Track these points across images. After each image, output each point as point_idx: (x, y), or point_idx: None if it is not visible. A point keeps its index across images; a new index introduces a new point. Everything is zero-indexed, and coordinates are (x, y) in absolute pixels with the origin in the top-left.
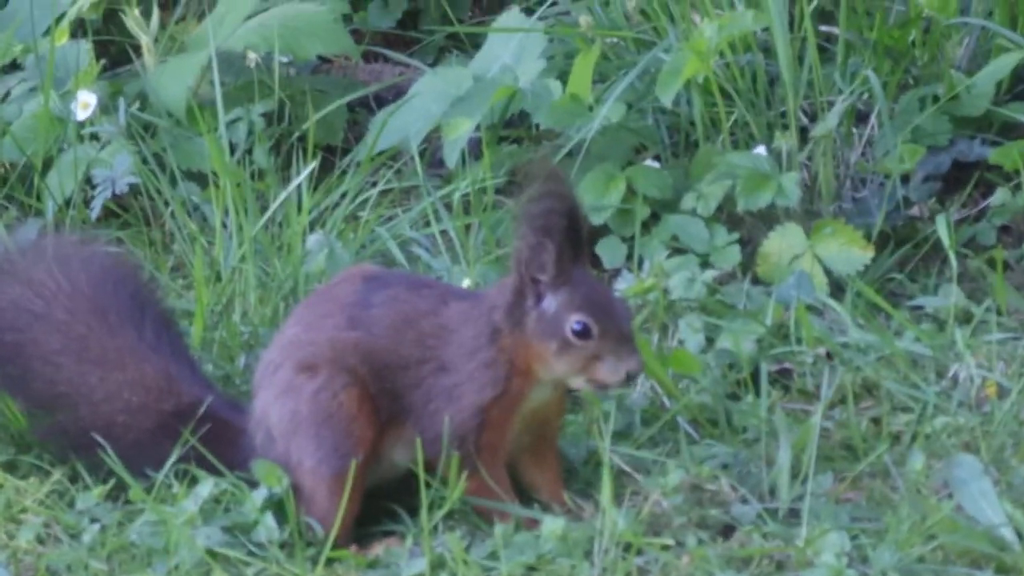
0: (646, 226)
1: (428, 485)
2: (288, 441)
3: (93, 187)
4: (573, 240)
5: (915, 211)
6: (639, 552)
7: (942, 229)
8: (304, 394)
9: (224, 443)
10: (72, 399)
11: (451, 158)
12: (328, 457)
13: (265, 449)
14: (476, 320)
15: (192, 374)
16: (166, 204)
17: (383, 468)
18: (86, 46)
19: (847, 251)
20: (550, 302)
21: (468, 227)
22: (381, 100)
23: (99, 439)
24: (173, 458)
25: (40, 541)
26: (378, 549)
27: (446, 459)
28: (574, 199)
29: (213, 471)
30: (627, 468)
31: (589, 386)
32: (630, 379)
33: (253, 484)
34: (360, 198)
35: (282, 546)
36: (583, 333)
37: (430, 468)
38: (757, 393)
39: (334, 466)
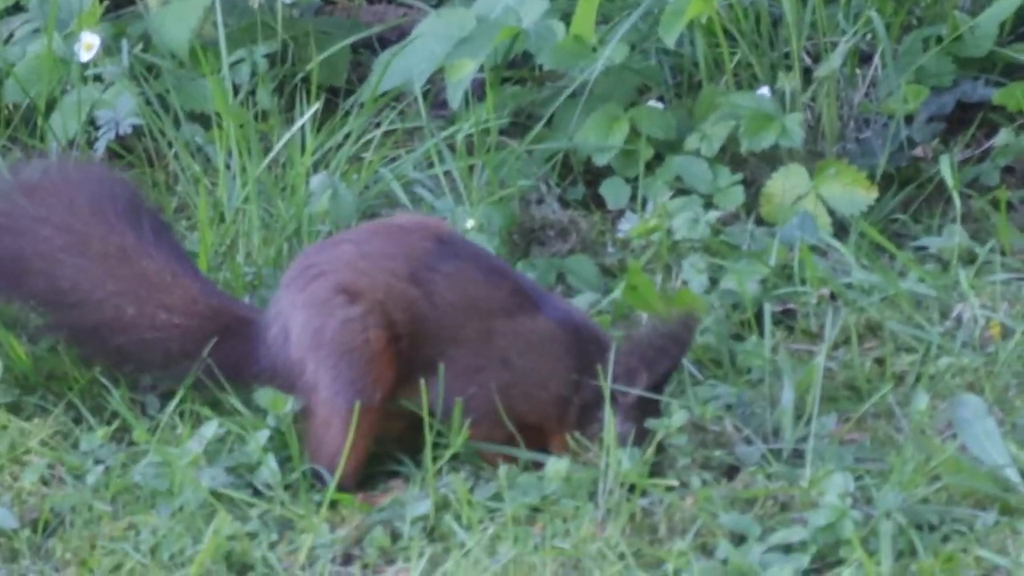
0: (649, 167)
1: (432, 428)
2: (304, 354)
3: (97, 128)
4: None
5: (919, 152)
6: (643, 493)
7: (946, 170)
8: (335, 318)
9: (234, 337)
10: (75, 295)
11: (454, 99)
12: (344, 390)
13: (277, 345)
14: (556, 353)
15: (193, 272)
16: (170, 145)
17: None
18: None
19: (851, 192)
20: (622, 425)
21: (471, 168)
22: (384, 41)
23: (104, 376)
24: (187, 384)
25: (44, 482)
26: (384, 500)
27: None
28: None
29: (223, 370)
30: None
31: None
32: None
33: (258, 411)
34: (364, 139)
35: (287, 487)
36: None
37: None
38: (761, 334)
39: (349, 400)
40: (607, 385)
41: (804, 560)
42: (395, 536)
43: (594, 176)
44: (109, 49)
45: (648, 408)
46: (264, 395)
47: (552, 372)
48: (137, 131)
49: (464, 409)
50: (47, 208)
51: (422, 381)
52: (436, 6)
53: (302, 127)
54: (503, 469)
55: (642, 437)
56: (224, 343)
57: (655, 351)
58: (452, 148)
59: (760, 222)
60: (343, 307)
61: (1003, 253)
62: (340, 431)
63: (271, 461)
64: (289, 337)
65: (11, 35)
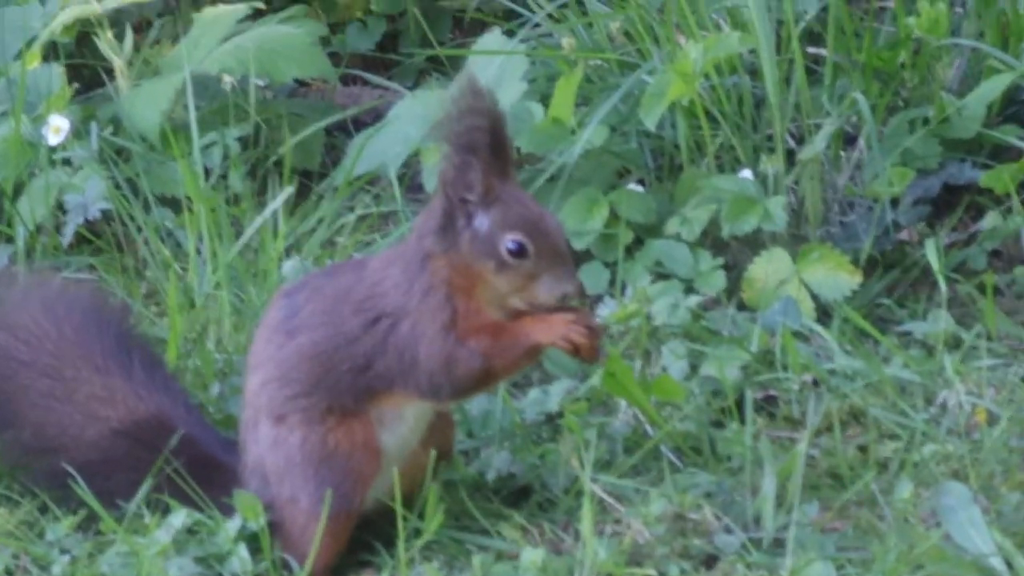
0: (629, 251)
1: (405, 518)
2: (282, 480)
3: (65, 213)
4: (500, 156)
5: (904, 235)
6: None
7: (931, 253)
8: (291, 445)
9: (216, 483)
10: (61, 441)
11: (430, 182)
12: (322, 499)
13: (260, 494)
14: (404, 256)
15: (186, 411)
16: (139, 230)
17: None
18: (58, 69)
19: (834, 276)
20: (482, 221)
21: None
22: (359, 124)
23: (72, 471)
24: (146, 487)
25: (9, 573)
26: None
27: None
28: (498, 114)
29: (195, 507)
30: (608, 498)
31: (528, 307)
32: (566, 299)
33: (228, 511)
34: (337, 224)
35: None
36: (518, 252)
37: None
38: (742, 421)
39: (333, 506)
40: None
41: None
42: None
43: (576, 260)
44: (78, 132)
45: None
46: (239, 500)
47: (406, 270)
48: (106, 216)
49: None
50: (32, 349)
51: (395, 470)
52: (412, 88)
53: (275, 211)
54: (477, 559)
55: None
56: (209, 491)
57: (464, 135)
58: None
59: (742, 307)
60: (289, 434)
61: (989, 338)
62: (325, 538)
63: (242, 551)
64: (268, 480)
65: None
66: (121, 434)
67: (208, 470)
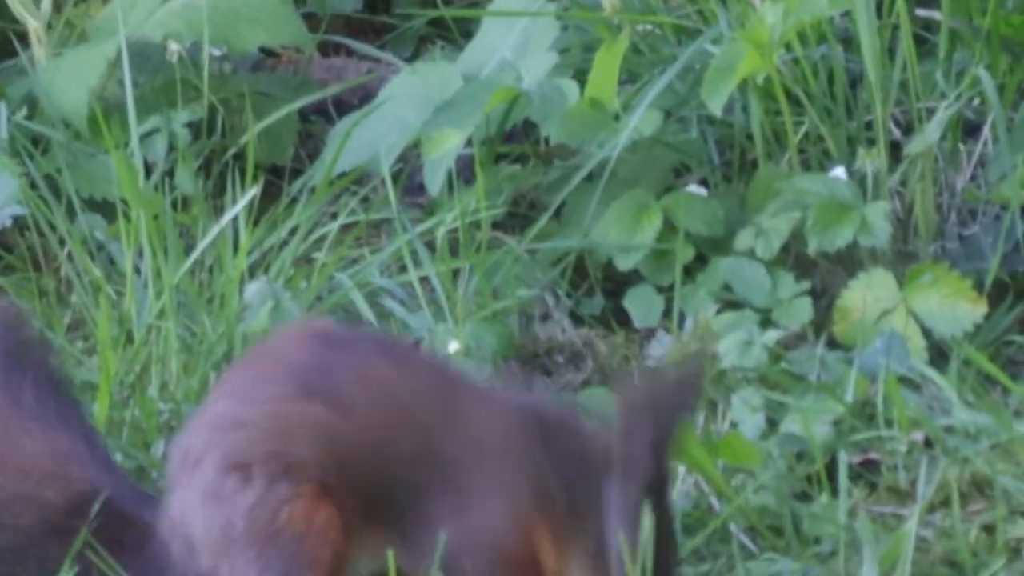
0: (689, 272)
1: None
2: (218, 561)
3: None
4: None
5: None
6: None
7: None
8: (237, 506)
9: (129, 548)
10: None
11: (434, 182)
12: None
13: (184, 563)
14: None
15: (89, 452)
16: (61, 243)
17: None
18: None
19: (952, 306)
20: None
21: (456, 273)
22: (343, 106)
23: None
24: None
25: None
26: None
27: None
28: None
29: None
30: None
31: None
32: None
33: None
34: (315, 235)
35: None
36: None
37: None
38: (834, 492)
39: None
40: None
41: None
42: None
43: (616, 284)
44: None
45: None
46: None
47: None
48: (19, 223)
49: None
50: None
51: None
52: (410, 60)
53: (235, 218)
54: None
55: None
56: (120, 557)
57: (657, 421)
58: (431, 247)
59: (833, 345)
60: (240, 490)
61: None
62: None
63: None
64: (195, 546)
65: None
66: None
67: (119, 529)
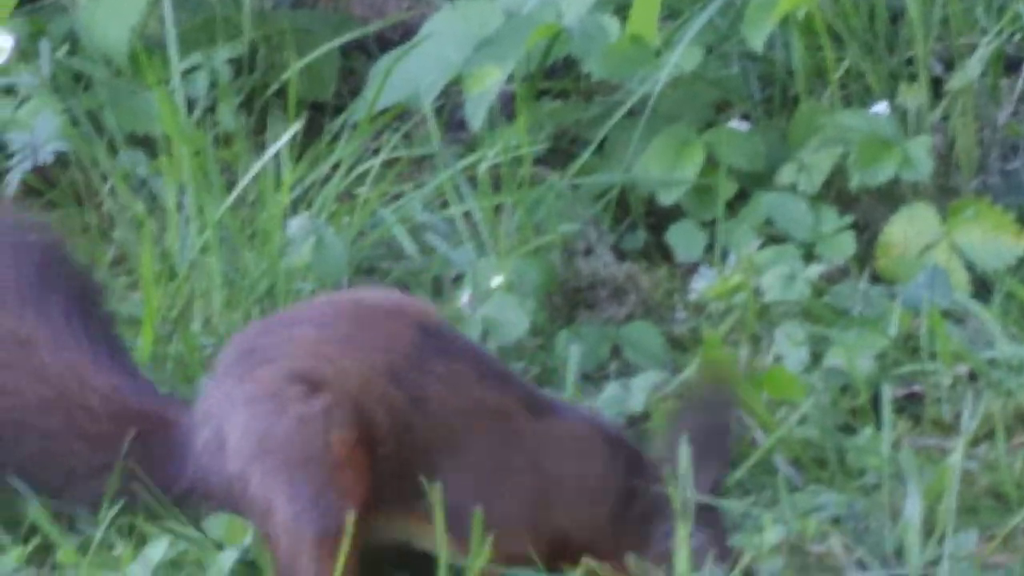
0: (732, 207)
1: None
2: (245, 466)
3: (9, 156)
4: None
5: None
6: None
7: None
8: (288, 414)
9: (158, 446)
10: None
11: (476, 118)
12: (307, 511)
13: (208, 455)
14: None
15: (112, 361)
16: (104, 178)
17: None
18: None
19: (994, 239)
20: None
21: (498, 208)
22: (385, 43)
23: (17, 479)
24: (115, 506)
25: None
26: None
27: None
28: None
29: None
30: None
31: None
32: None
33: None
34: (357, 170)
35: None
36: None
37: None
38: (878, 425)
39: (316, 525)
40: (675, 492)
41: None
42: None
43: (659, 219)
44: (24, 53)
45: (715, 514)
46: (216, 524)
47: (598, 480)
48: (61, 160)
49: (486, 524)
50: None
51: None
52: None
53: (277, 154)
54: None
55: (725, 558)
56: (146, 453)
57: (705, 441)
58: (473, 182)
59: (876, 279)
60: (299, 400)
61: None
62: (311, 564)
63: None
64: (225, 444)
65: None
66: (33, 393)
67: (144, 427)
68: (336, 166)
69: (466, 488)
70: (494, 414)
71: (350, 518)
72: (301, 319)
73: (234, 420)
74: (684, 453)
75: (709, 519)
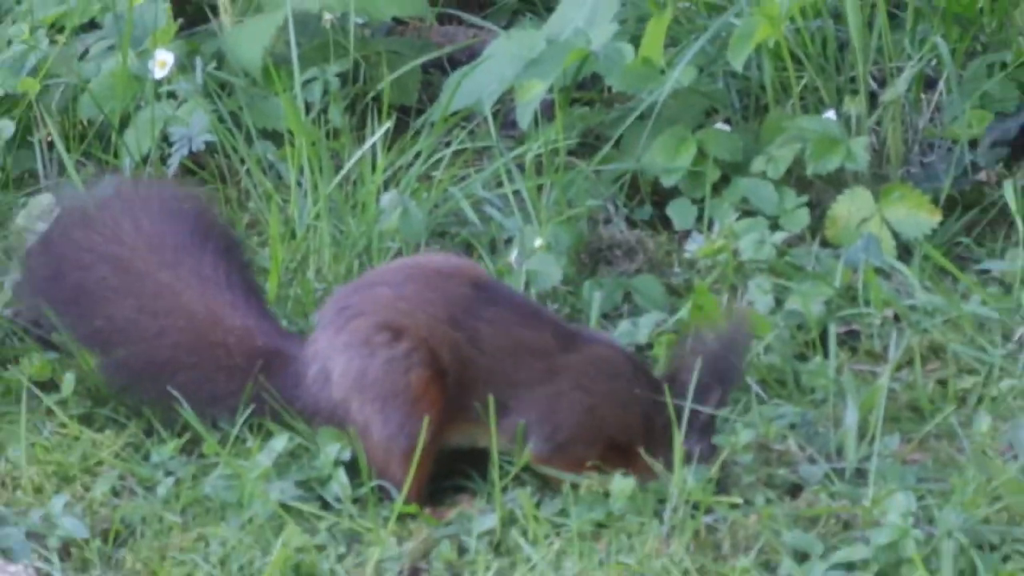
0: (716, 188)
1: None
2: (350, 396)
3: (170, 145)
4: None
5: (982, 176)
6: (708, 510)
7: (1009, 194)
8: (378, 357)
9: (275, 372)
10: (129, 335)
11: (524, 119)
12: (396, 435)
13: (317, 386)
14: (628, 375)
15: (248, 304)
16: (242, 162)
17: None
18: (164, 5)
19: (915, 215)
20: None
21: (540, 188)
22: (455, 62)
23: (173, 391)
24: (246, 412)
25: (115, 493)
26: (451, 514)
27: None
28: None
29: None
30: None
31: None
32: None
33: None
34: (434, 158)
35: (355, 501)
36: None
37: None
38: (825, 354)
39: (403, 444)
40: (685, 403)
41: None
42: (462, 550)
43: (661, 197)
44: (183, 66)
45: (715, 425)
46: (325, 436)
47: (631, 393)
48: (210, 148)
49: (551, 434)
50: (107, 241)
51: (478, 405)
52: (506, 27)
53: (373, 145)
54: (567, 485)
55: (710, 454)
56: (271, 379)
57: (721, 365)
58: (521, 168)
59: (825, 244)
60: (386, 345)
61: None
62: (400, 468)
63: (341, 475)
64: (330, 378)
65: (86, 51)
66: (183, 329)
67: (269, 358)
68: (417, 155)
69: (525, 409)
70: (535, 352)
71: (428, 436)
72: (380, 281)
73: (336, 359)
74: (695, 373)
75: (705, 426)
